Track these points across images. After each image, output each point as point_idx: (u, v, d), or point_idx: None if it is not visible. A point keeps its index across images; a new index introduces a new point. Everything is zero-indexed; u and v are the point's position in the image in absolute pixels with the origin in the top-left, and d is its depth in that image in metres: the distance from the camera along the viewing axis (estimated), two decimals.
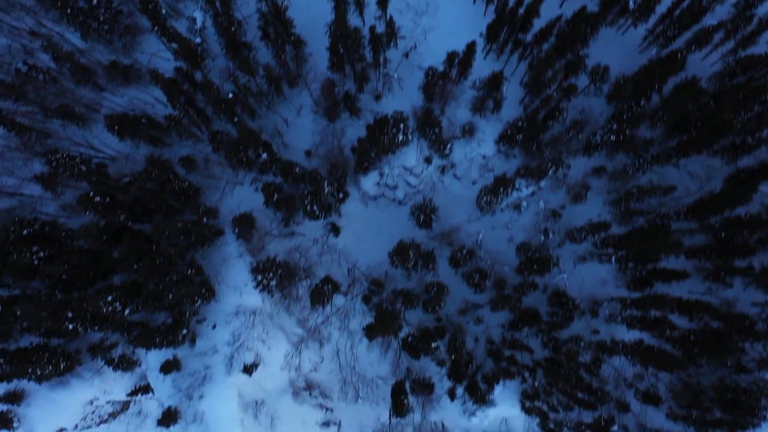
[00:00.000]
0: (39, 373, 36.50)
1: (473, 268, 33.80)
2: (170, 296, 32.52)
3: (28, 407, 40.77)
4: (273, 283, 34.51)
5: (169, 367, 35.10)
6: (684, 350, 28.88)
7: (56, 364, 37.08)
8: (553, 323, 32.57)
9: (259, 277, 31.16)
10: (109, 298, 32.44)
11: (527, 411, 36.27)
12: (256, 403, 35.69)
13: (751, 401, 30.78)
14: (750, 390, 31.63)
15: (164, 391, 36.30)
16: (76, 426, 43.28)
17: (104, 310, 32.51)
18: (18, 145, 39.77)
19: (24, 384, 39.93)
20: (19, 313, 35.17)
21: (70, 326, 34.57)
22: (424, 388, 38.91)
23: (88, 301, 31.86)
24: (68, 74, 39.71)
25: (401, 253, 30.47)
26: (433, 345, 32.84)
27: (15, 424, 40.69)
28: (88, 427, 44.96)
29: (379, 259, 36.07)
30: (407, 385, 37.04)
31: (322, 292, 31.71)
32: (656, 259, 29.87)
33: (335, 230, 36.53)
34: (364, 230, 36.72)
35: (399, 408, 36.28)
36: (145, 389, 42.00)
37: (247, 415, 35.09)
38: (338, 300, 38.96)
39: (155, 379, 37.62)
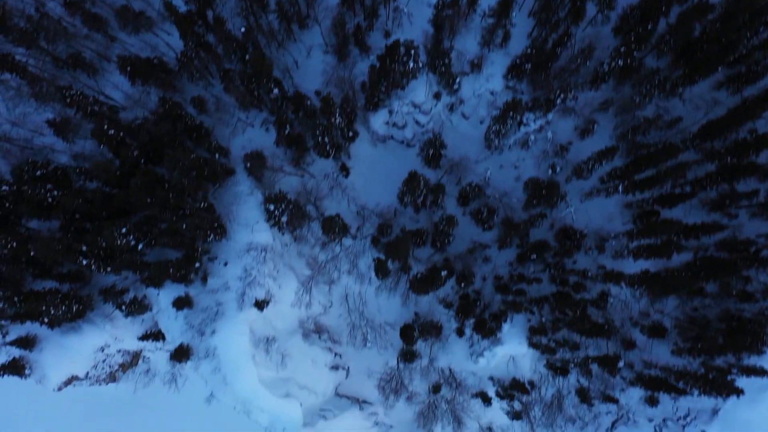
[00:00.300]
0: (52, 314, 36.86)
1: (481, 204, 34.21)
2: (183, 226, 32.90)
3: (40, 353, 41.15)
4: (284, 218, 35.00)
5: (181, 303, 35.52)
6: (690, 275, 29.30)
7: (69, 306, 37.46)
8: (561, 252, 32.99)
9: (271, 207, 31.57)
10: (123, 230, 32.85)
11: (534, 346, 36.73)
12: (267, 339, 36.13)
13: (756, 329, 31.22)
14: (755, 319, 32.07)
15: (176, 328, 36.72)
16: (87, 374, 43.71)
17: (118, 242, 32.91)
18: (29, 95, 40.18)
19: (36, 329, 40.32)
20: (32, 251, 35.55)
21: (84, 261, 34.97)
22: (432, 329, 39.41)
23: (103, 232, 32.26)
24: (79, 23, 40.17)
25: (412, 182, 30.89)
26: (443, 274, 33.20)
27: (27, 371, 41.06)
28: (99, 377, 45.44)
29: (388, 202, 36.50)
30: (415, 329, 37.53)
31: (334, 222, 32.14)
32: (663, 183, 30.26)
33: (345, 171, 36.97)
34: (373, 173, 37.16)
35: (408, 354, 36.84)
36: (156, 336, 42.37)
37: (259, 351, 35.53)
38: (347, 242, 39.42)
39: (167, 319, 38.01)
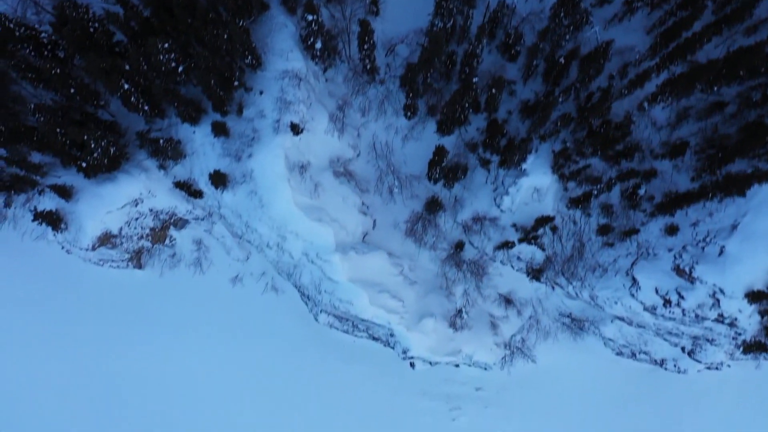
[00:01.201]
0: (90, 157, 38.16)
1: (507, 29, 35.49)
2: (224, 47, 34.28)
3: (76, 203, 42.55)
4: (318, 45, 36.38)
5: (218, 129, 36.85)
6: (715, 64, 30.50)
7: (106, 149, 38.75)
8: (585, 78, 34.36)
9: (309, 17, 32.88)
10: (166, 45, 34.18)
11: (559, 175, 38.10)
12: (301, 166, 37.46)
13: None
14: None
15: (213, 157, 38.07)
16: (120, 230, 45.00)
17: (161, 57, 34.27)
18: None
19: (72, 179, 41.70)
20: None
21: (125, 86, 36.35)
22: (458, 169, 40.78)
23: (147, 43, 33.57)
24: None
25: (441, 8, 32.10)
26: (467, 104, 34.20)
27: (62, 225, 42.44)
28: (132, 236, 46.67)
29: (416, 32, 37.75)
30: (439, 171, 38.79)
31: (368, 34, 33.34)
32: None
33: (375, 4, 38.33)
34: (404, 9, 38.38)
35: (433, 204, 38.05)
36: (189, 188, 43.58)
37: (293, 175, 36.86)
38: (375, 87, 40.84)
39: (203, 155, 39.28)
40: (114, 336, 50.84)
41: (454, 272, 46.75)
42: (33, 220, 41.21)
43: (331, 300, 40.30)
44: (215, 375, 51.06)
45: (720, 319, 39.32)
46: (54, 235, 43.19)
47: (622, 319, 45.61)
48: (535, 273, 46.44)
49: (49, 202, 42.13)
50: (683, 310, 39.56)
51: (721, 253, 36.24)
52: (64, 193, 41.48)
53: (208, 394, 50.72)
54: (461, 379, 53.35)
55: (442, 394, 52.40)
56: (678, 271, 38.44)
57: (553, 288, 48.79)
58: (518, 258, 46.47)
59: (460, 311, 46.16)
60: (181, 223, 50.52)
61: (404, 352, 44.77)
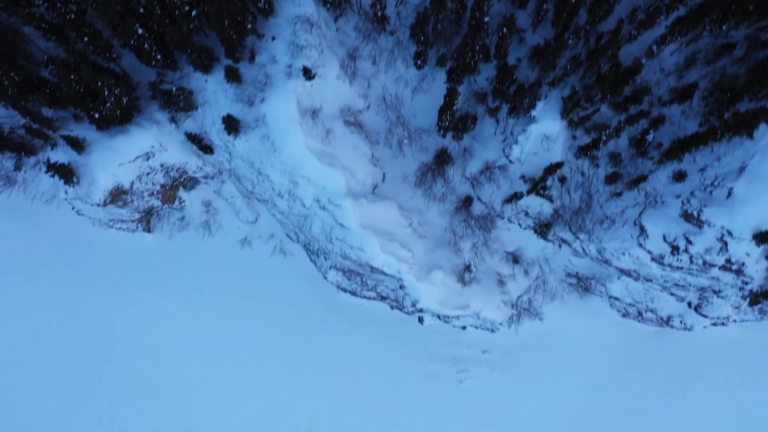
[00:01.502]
0: (104, 106, 38.55)
1: None
2: None
3: (88, 156, 42.96)
4: None
5: (231, 74, 37.23)
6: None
7: (119, 99, 39.15)
8: (594, 18, 34.70)
9: None
10: None
11: (569, 122, 38.48)
12: (314, 111, 37.85)
13: None
14: None
15: (225, 103, 38.47)
16: (132, 185, 45.37)
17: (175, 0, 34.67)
18: None
19: (85, 132, 42.11)
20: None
21: (140, 30, 36.72)
22: (467, 119, 41.18)
23: None
24: None
25: None
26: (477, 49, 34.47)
27: (75, 179, 42.87)
28: (143, 193, 46.99)
29: None
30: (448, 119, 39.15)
31: None
32: None
33: None
34: None
35: (442, 156, 38.41)
36: (200, 142, 43.95)
37: (305, 119, 37.27)
38: (385, 38, 41.19)
39: (215, 103, 39.67)
40: (122, 299, 51.24)
41: (462, 228, 47.15)
42: (46, 172, 41.59)
43: (342, 248, 40.69)
44: (222, 337, 51.41)
45: (727, 265, 39.71)
46: (65, 191, 43.58)
47: (629, 274, 45.98)
48: (542, 228, 46.82)
49: (62, 156, 42.55)
50: (691, 257, 39.93)
51: (729, 195, 36.60)
52: (77, 145, 41.85)
53: (214, 356, 51.04)
54: (468, 342, 53.75)
55: (448, 357, 52.81)
56: (686, 216, 38.80)
57: (560, 246, 49.20)
58: (526, 213, 46.87)
59: (468, 267, 46.55)
60: (190, 184, 50.97)
61: (413, 305, 45.16)
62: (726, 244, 37.73)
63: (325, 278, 48.48)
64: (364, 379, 52.47)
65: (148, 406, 50.44)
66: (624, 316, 52.06)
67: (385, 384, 52.05)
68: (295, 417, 51.89)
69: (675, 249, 39.90)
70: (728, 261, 39.04)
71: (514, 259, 49.92)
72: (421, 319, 47.81)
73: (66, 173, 41.31)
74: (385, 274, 42.53)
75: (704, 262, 39.74)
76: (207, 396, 51.17)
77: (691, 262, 40.29)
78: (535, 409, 52.20)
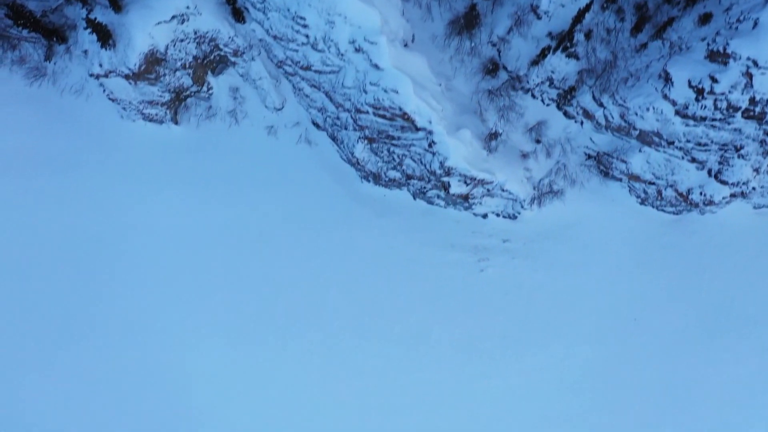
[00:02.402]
0: None
1: None
2: None
3: (126, 15, 44.14)
4: None
5: None
6: None
7: None
8: None
9: None
10: None
11: None
12: None
13: None
14: None
15: None
16: (166, 50, 46.43)
17: None
18: None
19: None
20: None
21: None
22: None
23: None
24: None
25: None
26: None
27: (111, 42, 44.01)
28: (176, 62, 47.99)
29: None
30: None
31: None
32: None
33: None
34: None
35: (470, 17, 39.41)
36: (233, 3, 44.92)
37: None
38: None
39: None
40: (148, 192, 52.07)
41: (486, 100, 48.32)
42: (85, 28, 42.72)
43: (376, 95, 41.58)
44: (244, 228, 52.24)
45: (751, 109, 40.72)
46: (100, 63, 44.54)
47: (650, 142, 47.06)
48: (566, 96, 47.80)
49: (99, 16, 43.60)
50: (715, 101, 41.02)
51: (755, 25, 37.71)
52: (115, 3, 42.96)
53: (237, 247, 51.85)
54: (489, 231, 54.79)
55: (469, 246, 53.87)
56: (711, 56, 39.88)
57: (581, 124, 50.32)
58: (550, 82, 48.00)
59: (493, 134, 47.65)
60: (219, 67, 52.18)
61: (441, 165, 46.00)
62: (751, 78, 38.81)
63: (352, 154, 49.38)
64: (386, 268, 53.39)
65: (165, 298, 50.75)
66: (642, 203, 53.20)
67: (406, 273, 53.05)
68: (318, 308, 52.67)
69: (700, 93, 40.96)
70: (752, 101, 40.11)
71: (537, 139, 50.99)
72: (447, 188, 48.59)
73: (103, 33, 42.41)
74: (416, 127, 43.37)
75: (728, 106, 40.82)
76: (228, 286, 51.81)
77: (715, 107, 41.39)
78: (554, 296, 53.15)
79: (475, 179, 46.98)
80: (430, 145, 45.20)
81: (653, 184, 50.33)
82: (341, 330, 49.40)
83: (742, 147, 44.54)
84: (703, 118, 42.61)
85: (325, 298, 52.45)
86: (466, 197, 48.77)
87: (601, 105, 46.95)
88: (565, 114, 50.43)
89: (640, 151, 48.61)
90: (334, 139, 51.69)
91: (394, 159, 49.18)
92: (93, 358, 48.13)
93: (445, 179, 47.77)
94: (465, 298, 53.47)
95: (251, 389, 48.62)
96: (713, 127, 43.28)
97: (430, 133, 43.46)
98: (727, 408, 49.49)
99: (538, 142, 51.35)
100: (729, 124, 42.63)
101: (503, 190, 49.27)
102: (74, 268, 51.28)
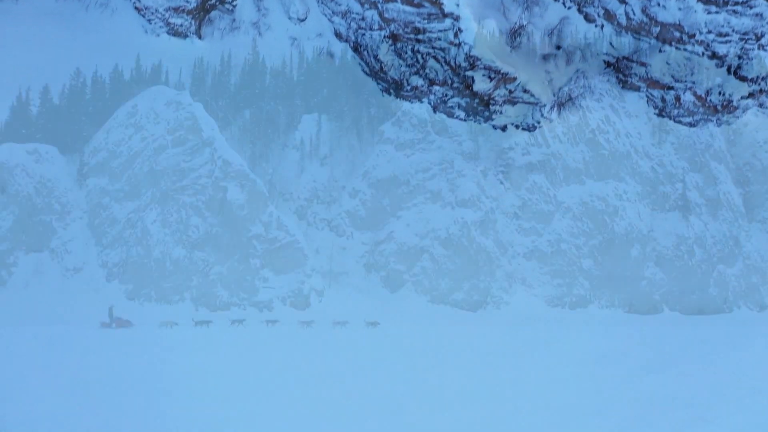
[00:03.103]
0: None
1: None
2: None
3: None
4: None
5: None
6: None
7: None
8: None
9: None
10: None
11: None
12: None
13: None
14: None
15: None
16: None
17: None
18: None
19: None
20: None
21: None
22: None
23: None
24: None
25: None
26: None
27: None
28: None
29: None
30: None
31: None
32: None
33: None
34: None
35: None
36: None
37: None
38: None
39: None
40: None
41: None
42: None
43: None
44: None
45: None
46: None
47: (670, 40, 47.63)
48: None
49: None
50: None
51: None
52: None
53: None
54: (508, 145, 54.60)
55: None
56: None
57: (602, 28, 50.88)
58: None
59: (516, 30, 48.10)
60: None
61: (467, 56, 46.32)
62: None
63: (376, 60, 49.62)
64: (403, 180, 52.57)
65: None
66: (660, 113, 53.45)
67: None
68: None
69: None
70: None
71: (557, 45, 51.46)
72: (471, 82, 48.58)
73: None
74: (443, 13, 43.94)
75: None
76: None
77: None
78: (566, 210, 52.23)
79: (499, 72, 47.30)
80: (455, 35, 45.62)
81: (672, 89, 50.64)
82: None
83: (762, 35, 45.18)
84: (726, 2, 43.24)
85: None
86: (487, 102, 48.64)
87: (623, 1, 47.55)
88: (586, 17, 50.95)
89: (660, 51, 49.05)
90: (356, 49, 51.88)
91: (417, 61, 49.38)
92: None
93: (469, 73, 47.99)
94: None
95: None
96: (735, 12, 43.95)
97: (457, 19, 43.94)
98: None
99: (558, 48, 51.73)
100: (750, 8, 43.28)
101: (525, 91, 49.48)
102: None
